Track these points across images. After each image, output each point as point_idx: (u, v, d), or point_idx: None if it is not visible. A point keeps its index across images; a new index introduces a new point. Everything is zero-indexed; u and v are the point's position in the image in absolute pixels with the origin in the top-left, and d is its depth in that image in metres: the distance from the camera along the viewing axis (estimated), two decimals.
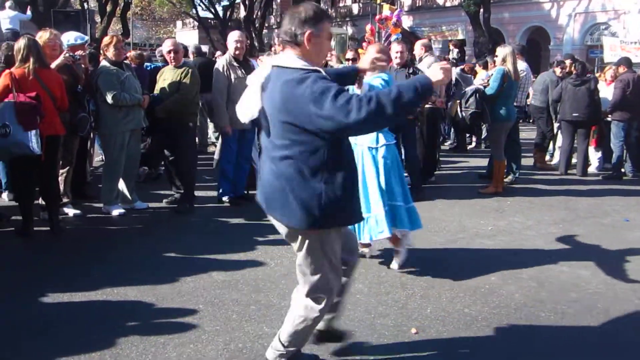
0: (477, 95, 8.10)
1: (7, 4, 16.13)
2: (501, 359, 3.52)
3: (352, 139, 4.03)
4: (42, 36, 5.96)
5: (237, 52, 6.75)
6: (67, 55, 6.01)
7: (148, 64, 9.45)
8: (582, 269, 5.07)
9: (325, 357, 3.41)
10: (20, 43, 5.49)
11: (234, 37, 6.82)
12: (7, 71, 5.46)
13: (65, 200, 6.38)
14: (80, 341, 3.59)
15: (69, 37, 6.62)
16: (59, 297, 4.26)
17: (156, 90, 6.80)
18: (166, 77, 6.66)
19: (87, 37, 6.98)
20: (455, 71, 10.79)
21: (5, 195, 6.86)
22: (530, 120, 14.29)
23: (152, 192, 7.48)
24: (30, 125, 5.26)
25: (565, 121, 9.53)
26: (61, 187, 6.32)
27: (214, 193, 7.27)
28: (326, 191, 2.75)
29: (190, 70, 6.56)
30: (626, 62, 9.68)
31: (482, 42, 25.27)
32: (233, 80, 6.62)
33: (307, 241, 2.90)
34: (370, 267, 4.99)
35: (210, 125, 10.95)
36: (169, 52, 6.64)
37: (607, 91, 9.65)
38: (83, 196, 6.97)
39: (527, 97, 10.11)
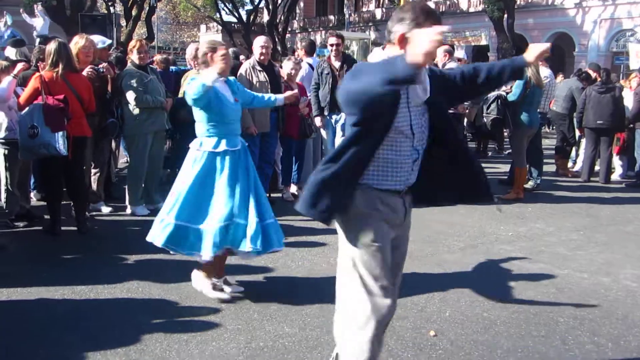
0: (499, 101, 8.13)
1: (37, 9, 16.52)
2: None
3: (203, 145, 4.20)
4: (78, 42, 6.15)
5: (262, 57, 6.85)
6: (89, 70, 6.13)
7: (173, 67, 9.60)
8: (603, 276, 5.07)
9: None
10: (51, 47, 5.65)
11: (259, 42, 6.93)
12: (37, 74, 5.63)
13: (97, 198, 6.66)
14: (106, 337, 3.69)
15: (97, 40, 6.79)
16: (85, 293, 4.38)
17: (180, 94, 6.93)
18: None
19: (108, 41, 7.13)
20: None
21: (33, 194, 7.02)
22: (552, 127, 14.21)
23: None
24: (57, 127, 5.41)
25: (589, 128, 9.49)
26: (94, 186, 6.53)
27: None
28: None
29: None
30: None
31: (506, 48, 25.13)
32: (255, 83, 6.70)
33: None
34: None
35: None
36: (193, 58, 6.78)
37: (631, 99, 9.58)
38: (108, 197, 7.12)
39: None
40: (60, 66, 5.57)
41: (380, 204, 2.67)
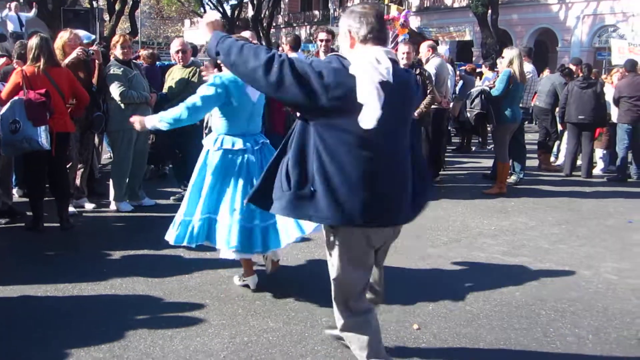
0: (483, 96, 8.19)
1: (13, 4, 16.35)
2: (501, 356, 3.59)
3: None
4: (63, 36, 6.18)
5: None
6: (80, 51, 6.12)
7: (158, 62, 9.54)
8: (584, 269, 5.13)
9: (330, 350, 3.49)
10: (32, 42, 5.61)
11: (245, 37, 6.90)
12: (18, 69, 5.59)
13: (81, 194, 6.64)
14: (90, 333, 3.68)
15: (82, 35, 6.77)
16: (69, 290, 4.36)
17: (164, 89, 6.91)
18: (174, 77, 6.77)
19: (93, 36, 7.11)
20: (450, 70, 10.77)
21: (15, 191, 6.96)
22: (535, 122, 14.30)
23: (159, 190, 7.58)
24: (39, 121, 5.38)
25: (571, 123, 9.59)
26: (78, 181, 6.51)
27: None
28: None
29: (198, 70, 6.66)
30: (630, 65, 9.68)
31: (490, 44, 25.31)
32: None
33: None
34: None
35: None
36: (177, 52, 6.77)
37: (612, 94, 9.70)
38: (91, 193, 7.07)
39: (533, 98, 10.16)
40: (42, 61, 5.53)
41: None
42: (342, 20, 2.73)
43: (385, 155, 2.66)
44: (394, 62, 2.66)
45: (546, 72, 15.04)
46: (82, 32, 7.05)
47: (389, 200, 2.71)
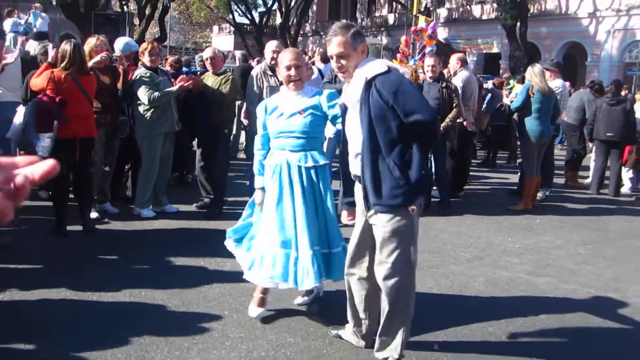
0: (503, 109, 8.21)
1: (36, 4, 16.68)
2: None
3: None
4: (90, 42, 6.25)
5: (273, 62, 6.82)
6: (104, 56, 6.17)
7: (186, 68, 9.61)
8: (611, 292, 5.00)
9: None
10: (65, 48, 5.62)
11: (271, 47, 6.89)
12: (50, 69, 5.61)
13: (105, 199, 6.67)
14: (107, 340, 3.67)
15: (121, 44, 6.93)
16: (88, 296, 4.36)
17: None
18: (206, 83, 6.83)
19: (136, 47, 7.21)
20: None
21: (40, 193, 7.01)
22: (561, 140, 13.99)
23: (182, 196, 7.59)
24: (41, 127, 5.35)
25: (599, 140, 9.43)
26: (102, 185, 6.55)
27: (244, 198, 7.31)
28: None
29: (230, 78, 6.73)
30: None
31: (518, 56, 25.07)
32: (265, 88, 6.68)
33: None
34: None
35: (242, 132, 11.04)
36: (207, 59, 6.85)
37: None
38: (117, 197, 7.10)
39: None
40: (72, 68, 5.57)
41: None
42: None
43: None
44: None
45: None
46: (124, 40, 7.16)
47: None
